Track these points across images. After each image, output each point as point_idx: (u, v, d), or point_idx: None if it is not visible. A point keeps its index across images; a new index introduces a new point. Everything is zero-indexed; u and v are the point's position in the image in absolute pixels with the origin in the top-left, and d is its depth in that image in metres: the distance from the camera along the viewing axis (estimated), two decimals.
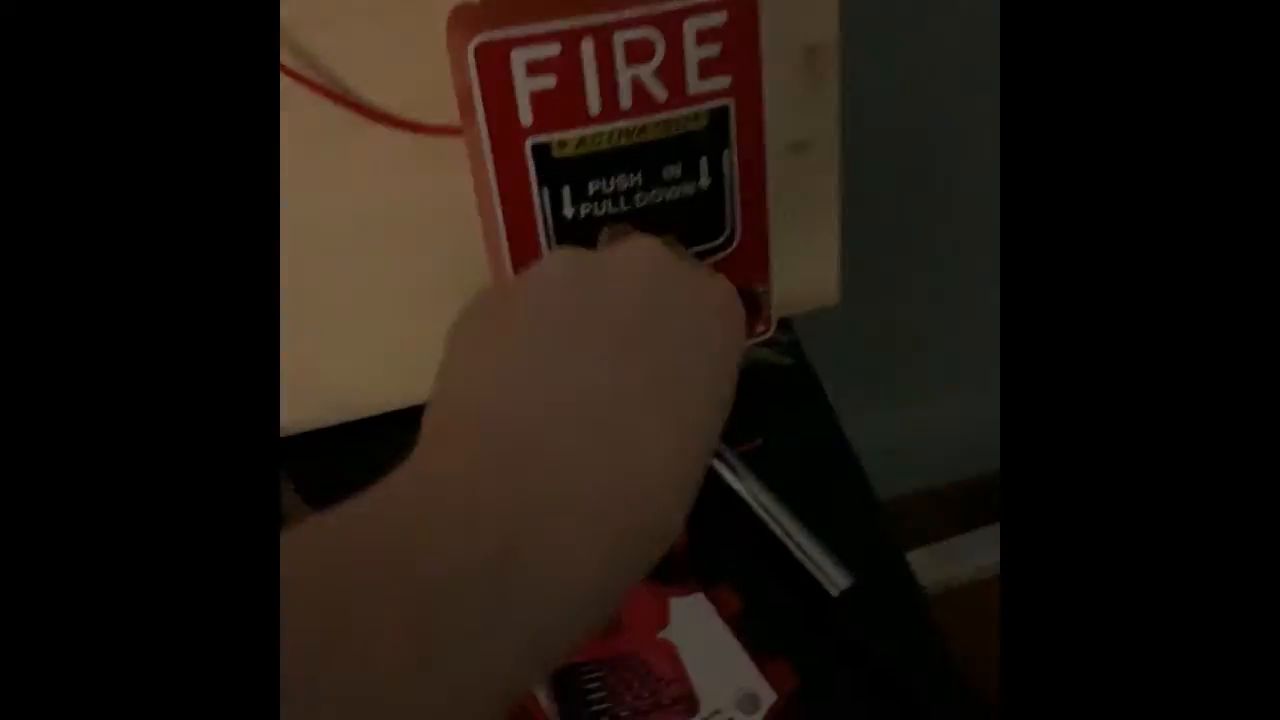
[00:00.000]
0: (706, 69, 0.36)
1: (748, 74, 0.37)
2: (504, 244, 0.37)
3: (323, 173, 0.44)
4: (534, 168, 0.36)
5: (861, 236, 0.61)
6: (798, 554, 0.44)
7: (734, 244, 0.40)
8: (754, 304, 0.41)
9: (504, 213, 0.37)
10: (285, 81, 0.41)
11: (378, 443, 0.39)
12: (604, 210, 0.37)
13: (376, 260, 0.46)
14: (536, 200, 0.37)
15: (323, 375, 0.48)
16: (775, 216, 0.41)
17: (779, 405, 0.53)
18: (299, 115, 0.42)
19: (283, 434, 0.48)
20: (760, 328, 0.42)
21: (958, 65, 0.80)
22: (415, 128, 0.43)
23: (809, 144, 0.49)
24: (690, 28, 0.35)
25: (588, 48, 0.35)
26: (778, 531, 0.45)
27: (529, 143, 0.36)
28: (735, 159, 0.38)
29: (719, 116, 0.37)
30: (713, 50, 0.36)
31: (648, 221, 0.38)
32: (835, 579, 0.44)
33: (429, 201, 0.45)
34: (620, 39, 0.35)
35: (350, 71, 0.42)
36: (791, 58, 0.46)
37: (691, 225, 0.39)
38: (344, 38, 0.41)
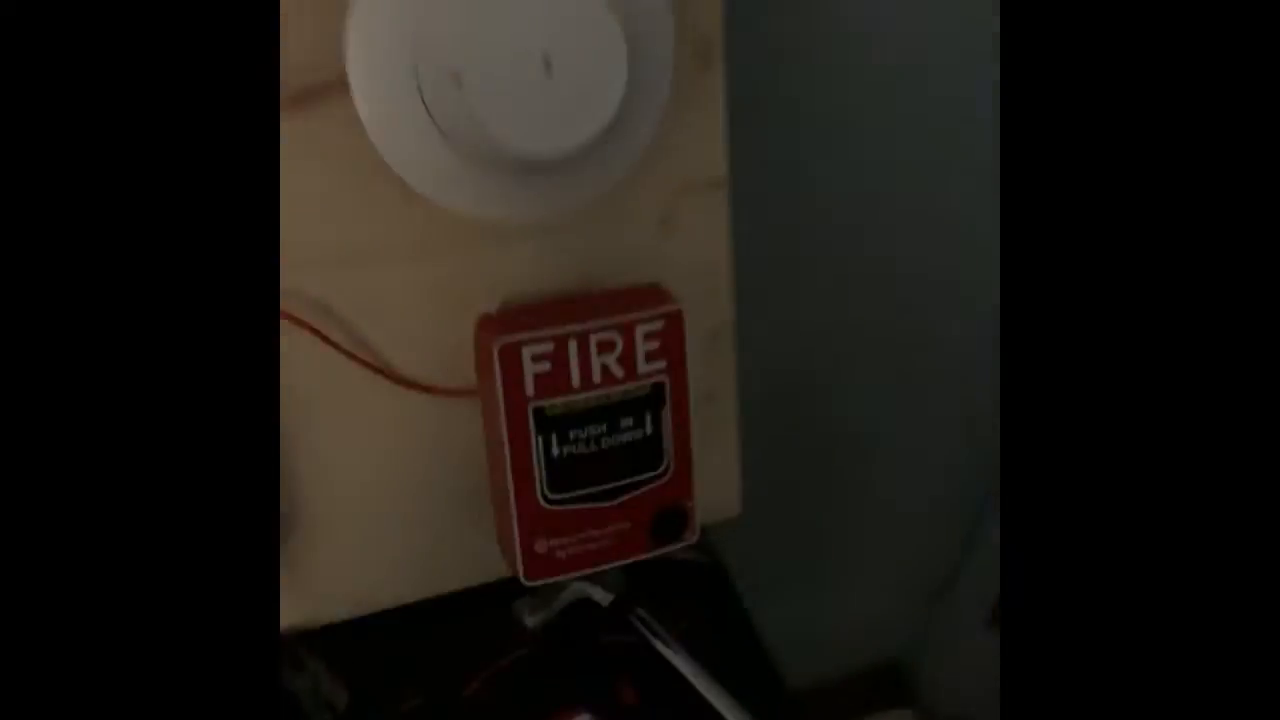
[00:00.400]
0: (650, 356, 0.53)
1: (677, 358, 0.54)
2: (510, 475, 0.53)
3: (345, 416, 0.59)
4: (533, 423, 0.52)
5: (766, 461, 0.78)
6: (719, 707, 0.59)
7: (669, 473, 0.56)
8: (685, 517, 0.57)
9: (511, 453, 0.52)
10: (319, 346, 0.56)
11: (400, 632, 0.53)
12: (580, 450, 0.54)
13: (391, 481, 0.60)
14: (534, 444, 0.53)
15: (339, 577, 0.61)
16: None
17: (697, 596, 0.68)
18: (329, 367, 0.57)
19: (306, 628, 0.61)
20: (689, 535, 0.58)
21: (844, 321, 1.01)
22: (431, 390, 0.59)
23: (714, 396, 0.67)
24: (639, 331, 0.53)
25: (573, 345, 0.52)
26: (701, 689, 0.59)
27: (530, 406, 0.52)
28: (669, 415, 0.55)
29: (658, 387, 0.54)
30: (654, 344, 0.53)
31: (607, 456, 0.54)
32: None
33: (438, 440, 0.60)
34: (594, 339, 0.52)
35: (377, 332, 0.58)
36: (699, 336, 0.64)
37: (640, 461, 0.55)
38: (381, 312, 0.57)
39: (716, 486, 0.68)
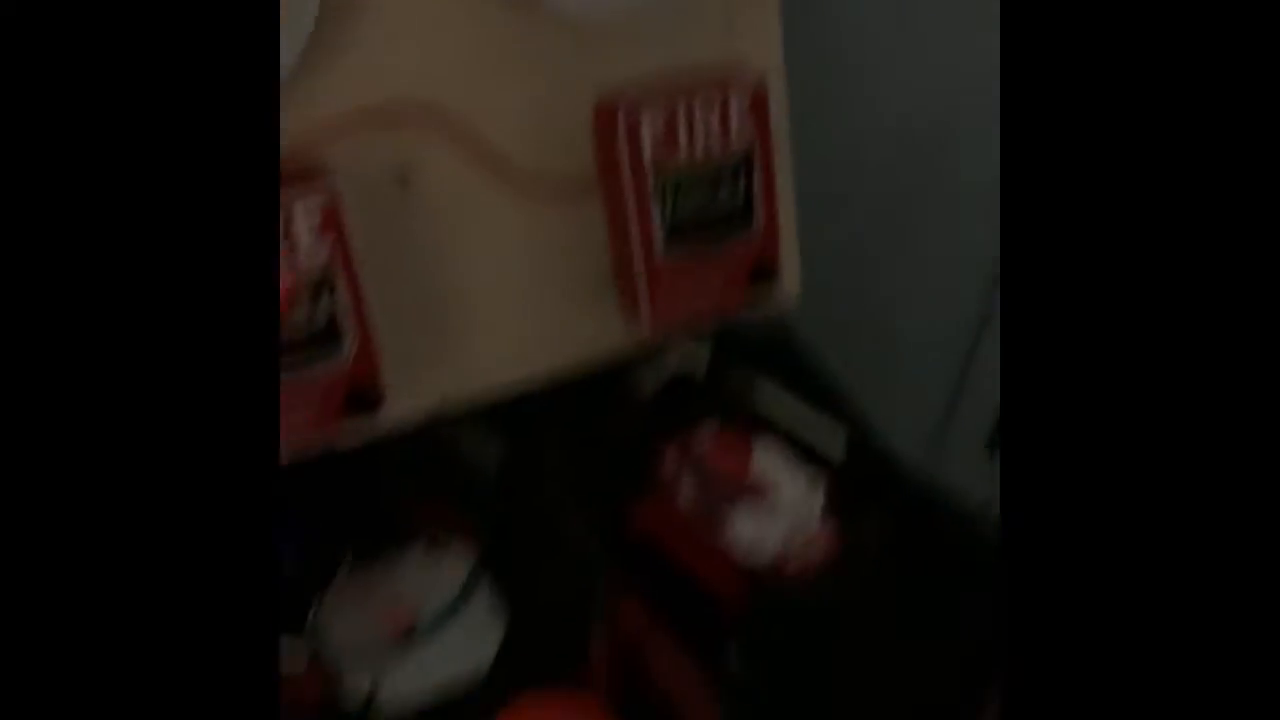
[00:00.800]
0: (742, 128, 0.63)
1: (765, 126, 0.64)
2: (635, 237, 0.62)
3: (478, 215, 0.67)
4: (653, 187, 0.62)
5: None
6: (812, 423, 0.69)
7: (762, 232, 0.66)
8: (776, 271, 0.67)
9: (636, 216, 0.62)
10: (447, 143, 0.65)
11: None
12: (690, 212, 0.63)
13: (522, 272, 0.69)
14: (653, 207, 0.62)
15: (486, 358, 0.70)
16: None
17: (776, 356, 0.78)
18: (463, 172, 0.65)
19: (463, 400, 0.69)
20: (779, 288, 0.68)
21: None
22: (548, 186, 0.68)
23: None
24: (734, 100, 0.62)
25: (681, 115, 0.61)
26: (797, 416, 0.70)
27: (650, 172, 0.61)
28: (761, 178, 0.65)
29: (750, 153, 0.64)
30: (746, 113, 0.63)
31: (711, 216, 0.64)
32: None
33: (557, 232, 0.69)
34: (698, 107, 0.61)
35: (501, 136, 0.66)
36: None
37: (738, 220, 0.65)
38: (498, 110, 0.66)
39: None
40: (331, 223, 0.57)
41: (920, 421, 1.48)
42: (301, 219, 0.56)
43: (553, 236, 0.69)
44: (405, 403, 0.65)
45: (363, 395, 0.60)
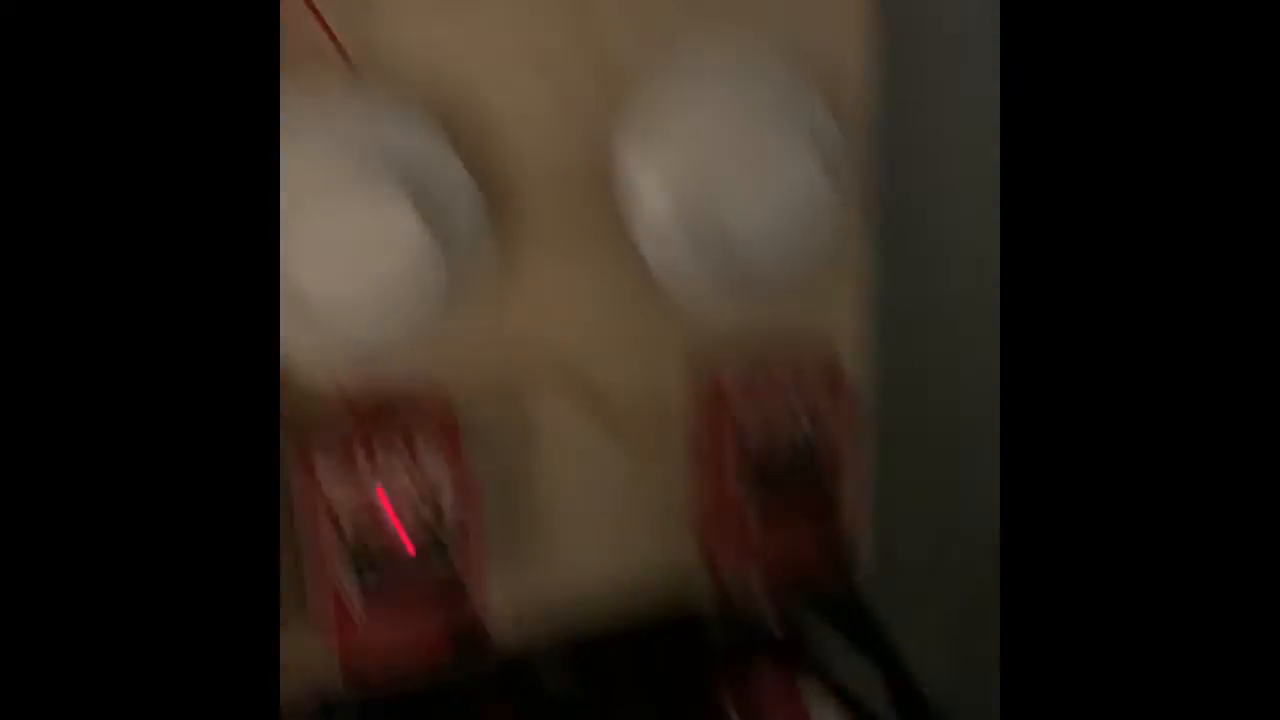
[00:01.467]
0: (828, 416, 0.71)
1: (849, 420, 0.72)
2: (724, 499, 0.70)
3: (581, 454, 0.75)
4: (739, 460, 0.70)
5: None
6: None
7: (834, 506, 0.73)
8: (845, 541, 0.74)
9: (725, 483, 0.70)
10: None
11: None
12: (773, 483, 0.71)
13: (608, 510, 0.77)
14: (741, 475, 0.70)
15: (551, 590, 0.77)
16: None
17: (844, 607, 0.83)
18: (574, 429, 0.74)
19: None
20: (850, 560, 0.74)
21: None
22: (648, 451, 0.76)
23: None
24: (823, 394, 0.71)
25: (776, 406, 0.69)
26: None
27: (742, 447, 0.69)
28: (838, 460, 0.72)
29: (831, 438, 0.72)
30: (832, 409, 0.71)
31: (792, 488, 0.71)
32: None
33: (648, 479, 0.77)
34: (791, 399, 0.70)
35: (610, 393, 0.75)
36: None
37: (811, 493, 0.72)
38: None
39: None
40: (460, 478, 0.64)
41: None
42: (431, 462, 0.64)
43: (646, 489, 0.76)
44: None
45: (470, 637, 0.66)
